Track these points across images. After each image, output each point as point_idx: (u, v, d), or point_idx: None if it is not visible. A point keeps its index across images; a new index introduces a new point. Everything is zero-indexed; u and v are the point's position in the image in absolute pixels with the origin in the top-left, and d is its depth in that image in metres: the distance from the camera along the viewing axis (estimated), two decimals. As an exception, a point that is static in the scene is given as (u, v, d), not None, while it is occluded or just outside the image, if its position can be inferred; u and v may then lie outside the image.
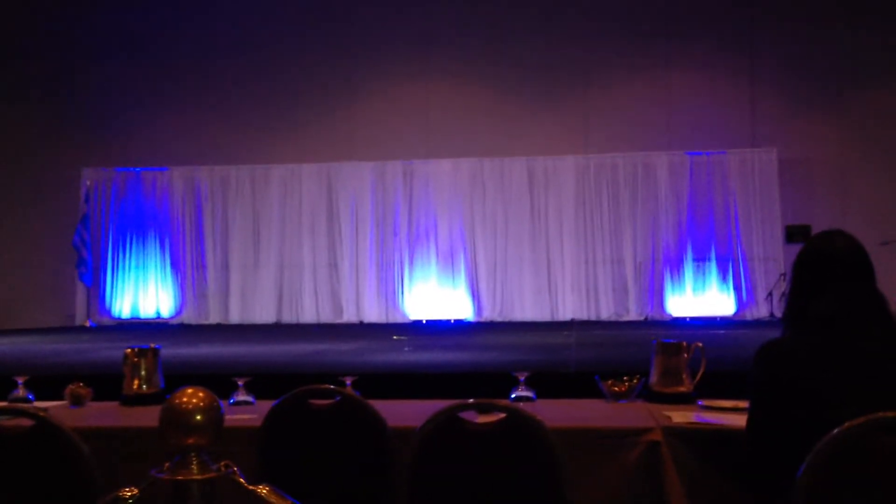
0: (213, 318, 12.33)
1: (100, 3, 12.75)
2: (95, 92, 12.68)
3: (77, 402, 3.30)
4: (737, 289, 11.63)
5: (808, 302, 2.18)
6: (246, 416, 2.87)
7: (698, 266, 11.70)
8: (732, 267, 11.66)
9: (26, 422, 2.29)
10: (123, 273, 12.60)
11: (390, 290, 12.21)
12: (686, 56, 11.99)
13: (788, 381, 2.07)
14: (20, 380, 3.39)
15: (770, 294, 11.32)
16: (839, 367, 2.03)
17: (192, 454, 1.34)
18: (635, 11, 12.03)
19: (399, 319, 11.99)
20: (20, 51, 12.73)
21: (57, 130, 12.69)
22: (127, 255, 12.64)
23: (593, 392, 3.32)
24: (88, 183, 12.58)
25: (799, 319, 2.21)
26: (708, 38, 11.90)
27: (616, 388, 3.16)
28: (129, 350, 3.41)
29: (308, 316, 12.20)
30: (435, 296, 12.07)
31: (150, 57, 12.64)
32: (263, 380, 3.59)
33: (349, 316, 12.13)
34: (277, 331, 10.79)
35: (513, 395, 3.18)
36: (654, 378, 3.13)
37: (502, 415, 2.29)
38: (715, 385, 3.23)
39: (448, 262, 12.12)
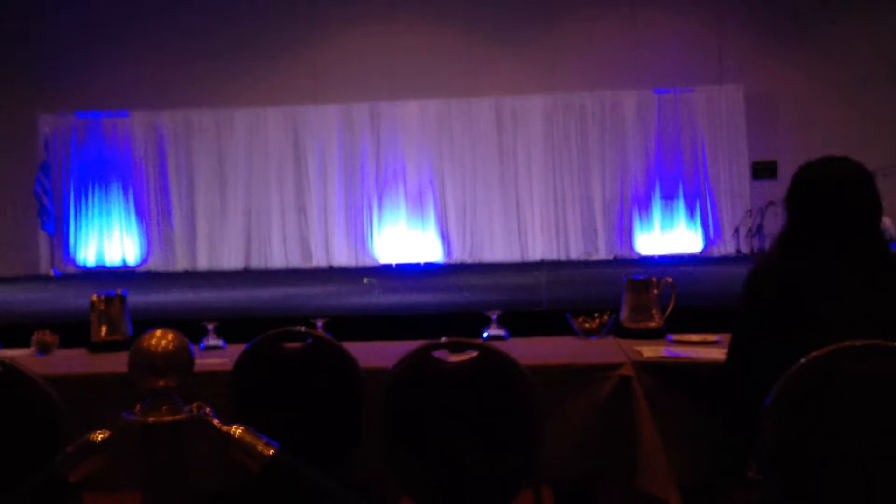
0: (181, 265, 12.22)
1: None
2: (52, 36, 12.30)
3: (44, 349, 3.26)
4: (704, 226, 11.75)
5: (810, 235, 2.11)
6: (217, 361, 2.85)
7: (666, 204, 11.78)
8: (700, 204, 11.76)
9: (-8, 370, 2.25)
10: (87, 221, 12.40)
11: (359, 234, 12.17)
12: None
13: (776, 309, 2.07)
14: (-15, 329, 3.34)
15: (737, 230, 11.45)
16: (830, 297, 2.04)
17: (163, 396, 1.33)
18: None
19: (369, 263, 11.98)
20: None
21: (12, 76, 12.33)
22: (90, 202, 12.42)
23: (565, 329, 3.34)
24: (47, 129, 12.29)
25: (792, 246, 2.16)
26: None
27: (587, 325, 3.18)
28: (95, 297, 3.37)
29: (277, 261, 12.14)
30: (404, 239, 12.05)
31: (106, 2, 12.25)
32: (234, 324, 3.57)
33: (318, 260, 12.09)
34: (246, 276, 10.74)
35: (485, 334, 3.20)
36: (624, 314, 3.16)
37: (475, 353, 2.30)
38: (684, 320, 3.27)
39: (417, 205, 12.08)
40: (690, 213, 11.76)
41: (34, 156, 12.19)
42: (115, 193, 12.40)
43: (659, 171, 11.80)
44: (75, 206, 12.40)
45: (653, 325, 3.11)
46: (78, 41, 12.27)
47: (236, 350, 2.79)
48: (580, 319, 3.21)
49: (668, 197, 11.78)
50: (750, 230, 11.34)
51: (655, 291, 3.16)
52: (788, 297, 2.07)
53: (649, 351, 2.74)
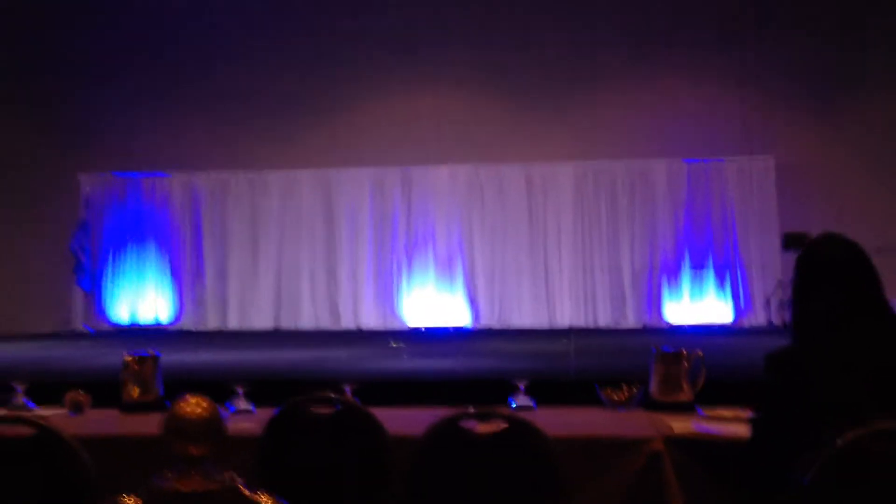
0: (212, 324, 12.31)
1: (98, 8, 12.76)
2: (94, 97, 12.66)
3: (76, 409, 3.30)
4: (734, 296, 11.63)
5: (805, 305, 2.19)
6: (246, 425, 2.87)
7: (696, 273, 11.71)
8: (730, 274, 11.67)
9: (26, 429, 2.29)
10: (122, 279, 12.57)
11: (388, 297, 12.20)
12: (682, 63, 12.01)
13: (794, 390, 2.07)
14: (19, 387, 3.39)
15: (768, 301, 11.33)
16: (842, 374, 2.04)
17: (195, 463, 1.34)
18: (631, 20, 12.05)
19: (397, 326, 11.97)
20: (17, 55, 12.74)
21: (55, 136, 12.68)
22: (125, 260, 12.61)
23: (593, 400, 3.32)
24: (87, 188, 12.57)
25: (803, 326, 2.21)
26: (704, 46, 11.92)
27: (616, 397, 3.16)
28: (128, 357, 3.41)
29: (306, 322, 12.18)
30: (433, 302, 12.06)
31: (149, 63, 12.63)
32: (263, 387, 3.58)
33: (347, 322, 12.12)
34: (276, 337, 10.78)
35: (512, 404, 3.18)
36: (653, 386, 3.14)
37: (503, 423, 2.30)
38: (715, 394, 3.24)
39: (446, 269, 12.12)
40: (720, 282, 11.67)
41: (73, 214, 12.45)
42: (151, 252, 12.59)
43: (688, 240, 11.77)
44: (111, 264, 12.60)
45: (683, 398, 3.09)
46: (119, 103, 12.61)
47: (265, 413, 2.81)
48: (609, 390, 3.20)
49: (698, 266, 11.71)
50: (781, 301, 11.21)
51: (685, 364, 3.14)
52: (806, 378, 2.06)
53: (679, 425, 2.71)
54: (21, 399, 3.36)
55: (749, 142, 11.75)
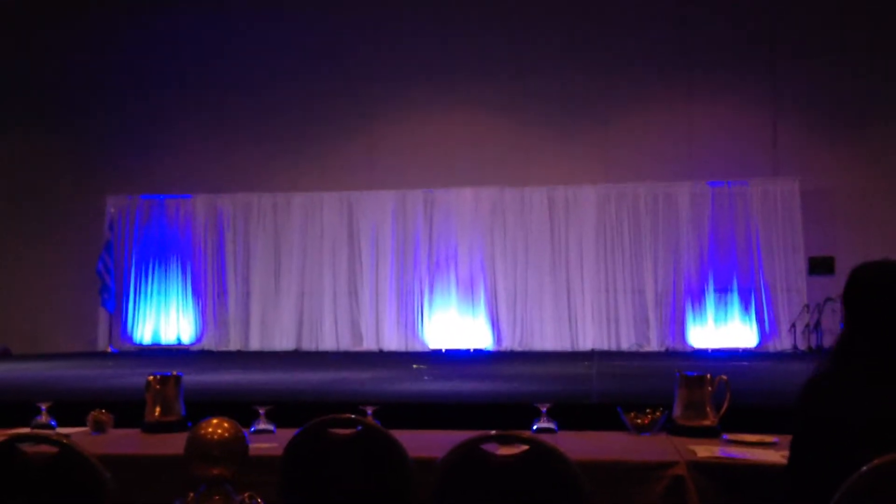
0: (234, 344, 12.36)
1: (123, 33, 12.97)
2: (119, 121, 12.86)
3: (99, 428, 3.32)
4: (759, 320, 11.52)
5: (866, 343, 2.10)
6: (267, 445, 2.87)
7: (720, 297, 11.61)
8: (755, 298, 11.56)
9: (49, 448, 2.30)
10: (145, 299, 12.68)
11: (410, 319, 12.20)
12: (707, 85, 12.00)
13: (832, 419, 2.03)
14: (43, 406, 3.42)
15: (793, 326, 11.20)
16: (885, 406, 1.99)
17: (217, 485, 1.34)
18: (656, 41, 12.07)
19: (418, 348, 11.96)
20: (45, 80, 12.96)
21: (82, 159, 12.87)
22: (149, 281, 12.72)
23: (616, 424, 3.29)
24: (112, 210, 12.72)
25: (849, 355, 2.14)
26: (729, 68, 11.90)
27: (639, 421, 3.13)
28: (151, 377, 3.43)
29: (328, 343, 12.20)
30: (455, 325, 12.04)
31: (173, 87, 12.81)
32: (284, 408, 3.58)
33: (369, 344, 12.13)
34: (297, 358, 10.79)
35: (535, 427, 3.16)
36: (677, 411, 3.10)
37: (525, 447, 2.28)
38: (739, 419, 3.20)
39: (468, 291, 12.11)
40: (745, 306, 11.56)
41: (99, 235, 12.59)
42: (174, 273, 12.69)
43: (712, 263, 11.68)
44: (135, 285, 12.71)
45: (707, 423, 3.06)
46: (144, 127, 12.79)
47: (286, 434, 2.80)
48: (632, 415, 3.17)
49: (722, 290, 11.62)
50: (807, 326, 11.09)
51: (710, 388, 3.11)
52: (845, 410, 2.02)
53: (704, 450, 2.68)
54: (45, 418, 3.38)
55: (774, 165, 11.69)
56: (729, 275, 11.63)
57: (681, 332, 11.63)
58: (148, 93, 12.83)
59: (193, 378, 5.98)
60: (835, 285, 9.83)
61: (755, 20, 11.90)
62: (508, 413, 4.41)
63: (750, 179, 11.68)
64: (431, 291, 12.18)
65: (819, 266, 11.25)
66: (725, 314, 11.57)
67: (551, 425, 3.16)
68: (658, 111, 12.13)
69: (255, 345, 12.31)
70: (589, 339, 11.75)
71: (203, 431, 1.34)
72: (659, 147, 11.96)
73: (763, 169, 11.72)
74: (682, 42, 12.00)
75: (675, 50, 12.01)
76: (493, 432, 2.30)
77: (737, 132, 11.85)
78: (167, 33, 12.92)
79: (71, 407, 3.89)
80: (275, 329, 12.37)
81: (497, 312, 12.03)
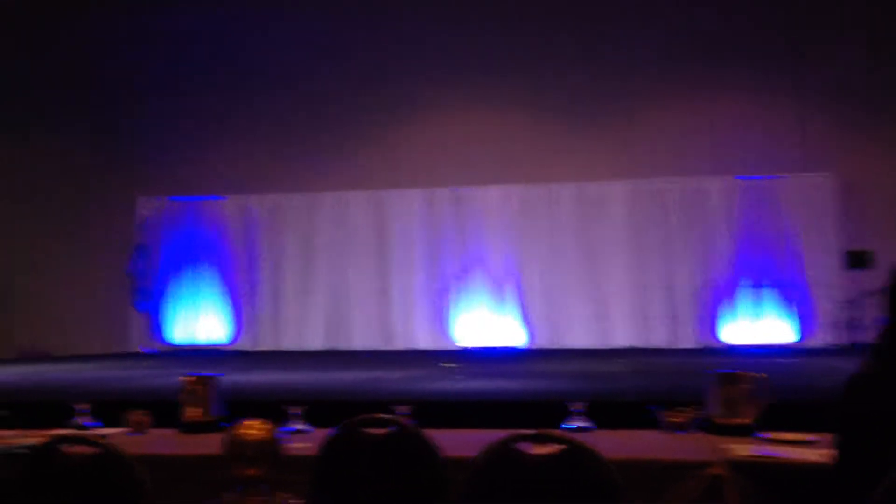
0: (266, 344, 12.44)
1: (154, 34, 13.09)
2: (150, 123, 12.99)
3: (138, 428, 3.36)
4: (794, 316, 11.37)
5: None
6: (301, 445, 2.88)
7: (753, 292, 11.48)
8: (789, 293, 11.41)
9: (89, 449, 2.33)
10: (178, 300, 12.81)
11: (440, 317, 12.20)
12: (735, 78, 11.85)
13: (878, 416, 1.99)
14: (82, 407, 3.46)
15: (830, 321, 11.04)
16: None
17: (253, 485, 1.35)
18: (684, 35, 11.94)
19: (449, 346, 11.96)
20: (76, 82, 13.12)
21: (113, 160, 13.01)
22: (182, 281, 12.85)
23: (650, 422, 3.26)
24: (144, 212, 12.86)
25: (894, 349, 2.09)
26: (756, 60, 11.73)
27: (674, 419, 3.11)
28: (186, 378, 3.46)
29: (358, 343, 12.23)
30: (485, 323, 12.03)
31: (202, 88, 12.91)
32: (317, 408, 3.60)
33: (399, 343, 12.14)
34: (328, 358, 10.84)
35: (569, 426, 3.15)
36: (714, 409, 3.07)
37: (560, 446, 2.27)
38: (776, 417, 3.16)
39: (498, 289, 12.08)
40: (780, 302, 11.42)
41: (131, 237, 12.74)
42: (206, 274, 12.80)
43: (745, 258, 11.55)
44: (168, 286, 12.84)
45: (744, 421, 3.02)
46: (175, 128, 12.91)
47: (320, 434, 2.81)
48: (667, 413, 3.14)
49: (756, 285, 11.48)
50: (844, 321, 10.92)
51: (746, 386, 3.07)
52: (891, 406, 1.98)
53: (741, 449, 2.65)
54: (84, 419, 3.43)
55: (805, 158, 11.52)
56: (762, 270, 11.50)
57: (714, 328, 11.52)
58: (177, 94, 12.94)
59: (227, 378, 6.02)
60: (873, 279, 9.70)
61: (782, 9, 11.74)
62: (541, 411, 4.39)
63: (780, 173, 11.53)
64: (461, 289, 12.17)
65: (856, 260, 11.06)
66: (760, 310, 11.44)
67: (586, 424, 3.14)
68: (685, 105, 12.01)
69: (286, 344, 12.38)
70: (621, 336, 11.68)
71: (239, 432, 1.35)
72: (687, 142, 11.84)
73: (793, 162, 11.55)
74: (708, 34, 11.86)
75: (702, 43, 11.86)
76: (528, 431, 2.29)
77: (766, 125, 11.69)
78: (197, 34, 13.03)
79: (108, 407, 3.94)
80: (306, 329, 12.43)
81: (528, 310, 12.00)
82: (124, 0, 13.13)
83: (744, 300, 11.47)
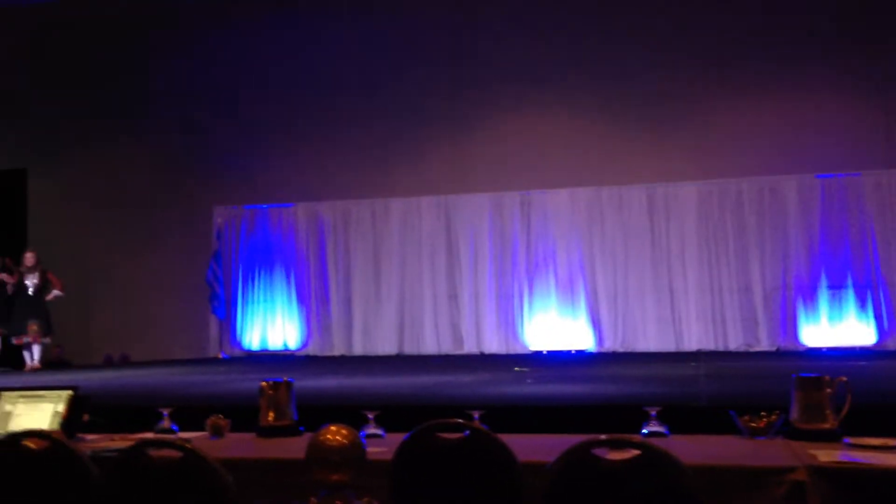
0: (337, 349, 12.62)
1: (227, 47, 13.43)
2: (225, 135, 13.32)
3: (217, 433, 3.44)
4: (877, 317, 10.98)
5: None
6: (377, 450, 2.91)
7: (834, 294, 11.14)
8: (872, 294, 11.04)
9: (173, 453, 2.40)
10: (253, 306, 13.09)
11: (510, 321, 12.18)
12: (812, 74, 11.53)
13: None
14: (165, 411, 3.57)
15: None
16: None
17: (337, 490, 1.38)
18: (758, 30, 11.68)
19: (519, 350, 11.94)
20: (158, 98, 13.55)
21: (192, 172, 13.38)
22: (256, 288, 13.12)
23: (728, 427, 3.20)
24: (220, 220, 13.18)
25: None
26: (838, 54, 11.40)
27: (754, 424, 3.04)
28: (264, 383, 3.54)
29: (429, 347, 12.30)
30: (555, 326, 11.96)
31: (274, 101, 13.18)
32: (390, 412, 3.63)
33: (469, 347, 12.17)
34: (399, 362, 10.93)
35: (644, 431, 3.11)
36: (794, 414, 3.00)
37: (636, 451, 2.25)
38: (860, 421, 3.07)
39: (567, 293, 12.01)
40: (861, 303, 11.05)
41: (208, 245, 13.07)
42: (279, 280, 13.05)
43: (824, 258, 11.22)
44: (243, 292, 13.13)
45: (827, 426, 2.94)
46: (248, 139, 13.21)
47: (395, 439, 2.84)
48: (746, 418, 3.08)
49: (836, 286, 11.14)
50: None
51: (829, 390, 2.99)
52: None
53: (824, 455, 2.58)
54: (167, 423, 3.54)
55: (887, 154, 11.14)
56: (843, 270, 11.16)
57: (792, 330, 11.22)
58: (250, 105, 13.24)
59: (301, 383, 6.13)
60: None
61: (863, 1, 11.38)
62: (615, 416, 4.35)
63: (862, 170, 11.18)
64: (531, 293, 12.13)
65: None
66: (840, 311, 11.10)
67: (662, 429, 3.10)
68: (759, 103, 11.73)
69: (357, 349, 12.53)
70: (694, 339, 11.48)
71: (323, 438, 1.38)
72: (762, 140, 11.57)
73: (875, 159, 11.19)
74: (783, 30, 11.58)
75: (777, 38, 11.59)
76: (604, 436, 2.28)
77: (845, 122, 11.34)
78: (268, 45, 13.32)
79: (189, 412, 4.06)
80: (377, 334, 12.56)
81: (598, 313, 11.90)
82: (199, 16, 13.50)
83: (822, 302, 11.14)
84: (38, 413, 3.44)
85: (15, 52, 14.07)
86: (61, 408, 3.43)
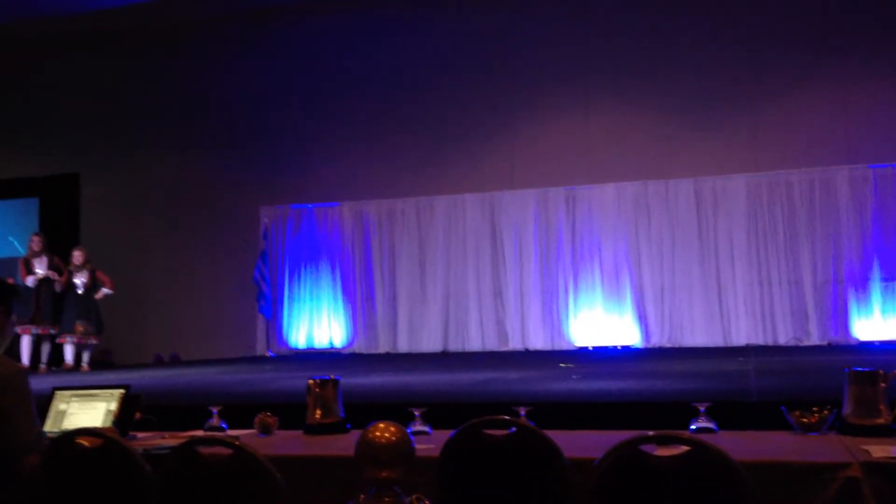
0: (383, 347, 12.68)
1: (272, 50, 13.58)
2: (271, 137, 13.46)
3: (265, 430, 3.49)
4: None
5: None
6: (424, 447, 2.92)
7: (887, 286, 10.88)
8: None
9: (223, 450, 2.44)
10: (299, 305, 13.21)
11: (555, 317, 12.12)
12: (864, 63, 11.26)
13: None
14: (215, 409, 3.63)
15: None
16: None
17: (386, 487, 1.39)
18: (805, 18, 11.46)
19: (565, 346, 11.88)
20: (208, 103, 13.76)
21: (239, 173, 13.56)
22: (302, 287, 13.25)
23: (779, 423, 3.16)
24: (266, 220, 13.33)
25: None
26: (887, 43, 11.14)
27: (805, 420, 2.99)
28: (311, 381, 3.58)
29: (474, 344, 12.30)
30: (601, 322, 11.88)
31: (319, 103, 13.30)
32: (436, 409, 3.64)
33: (514, 344, 12.14)
34: (445, 359, 10.95)
35: (693, 427, 3.08)
36: (847, 409, 2.95)
37: (685, 448, 2.22)
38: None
39: (613, 288, 11.91)
40: (913, 296, 10.78)
41: (255, 245, 13.24)
42: (325, 278, 13.16)
43: (878, 250, 10.96)
44: (289, 291, 13.27)
45: (880, 421, 2.88)
46: (293, 140, 13.35)
47: (441, 436, 2.85)
48: (797, 413, 3.03)
49: (889, 278, 10.88)
50: None
51: (883, 385, 2.93)
52: None
53: (879, 450, 2.53)
54: (216, 421, 3.59)
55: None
56: (895, 263, 10.89)
57: (844, 324, 10.98)
58: (295, 107, 13.37)
59: (347, 381, 6.17)
60: None
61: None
62: (663, 412, 4.31)
63: (917, 160, 10.90)
64: (576, 289, 12.06)
65: None
66: (894, 304, 10.84)
67: (711, 425, 3.07)
68: (810, 93, 11.50)
69: (403, 347, 12.58)
70: (742, 333, 11.31)
71: (372, 435, 1.39)
72: (813, 131, 11.34)
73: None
74: (833, 19, 11.34)
75: (826, 28, 11.35)
76: (652, 433, 2.26)
77: (899, 110, 11.07)
78: (312, 47, 13.44)
79: (237, 409, 4.11)
80: (422, 331, 12.59)
81: (644, 309, 11.78)
82: (244, 22, 13.66)
83: (875, 294, 10.90)
84: (91, 411, 3.52)
85: (67, 60, 14.38)
86: (114, 406, 3.50)
